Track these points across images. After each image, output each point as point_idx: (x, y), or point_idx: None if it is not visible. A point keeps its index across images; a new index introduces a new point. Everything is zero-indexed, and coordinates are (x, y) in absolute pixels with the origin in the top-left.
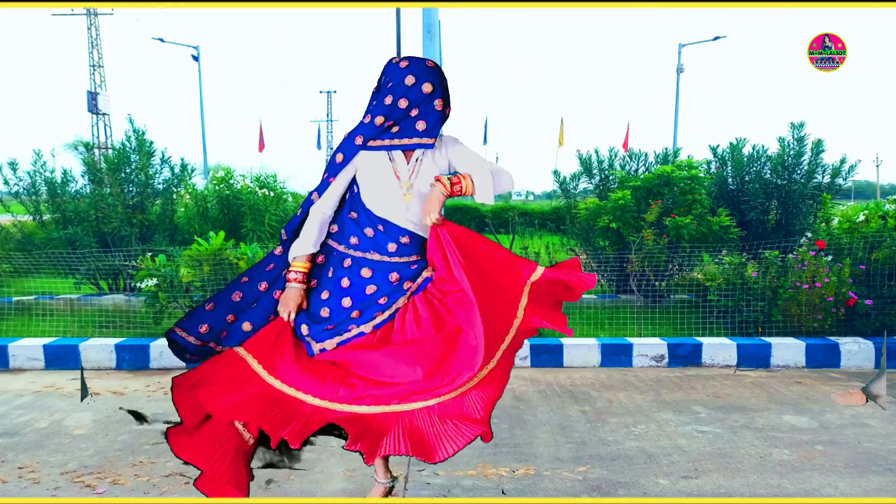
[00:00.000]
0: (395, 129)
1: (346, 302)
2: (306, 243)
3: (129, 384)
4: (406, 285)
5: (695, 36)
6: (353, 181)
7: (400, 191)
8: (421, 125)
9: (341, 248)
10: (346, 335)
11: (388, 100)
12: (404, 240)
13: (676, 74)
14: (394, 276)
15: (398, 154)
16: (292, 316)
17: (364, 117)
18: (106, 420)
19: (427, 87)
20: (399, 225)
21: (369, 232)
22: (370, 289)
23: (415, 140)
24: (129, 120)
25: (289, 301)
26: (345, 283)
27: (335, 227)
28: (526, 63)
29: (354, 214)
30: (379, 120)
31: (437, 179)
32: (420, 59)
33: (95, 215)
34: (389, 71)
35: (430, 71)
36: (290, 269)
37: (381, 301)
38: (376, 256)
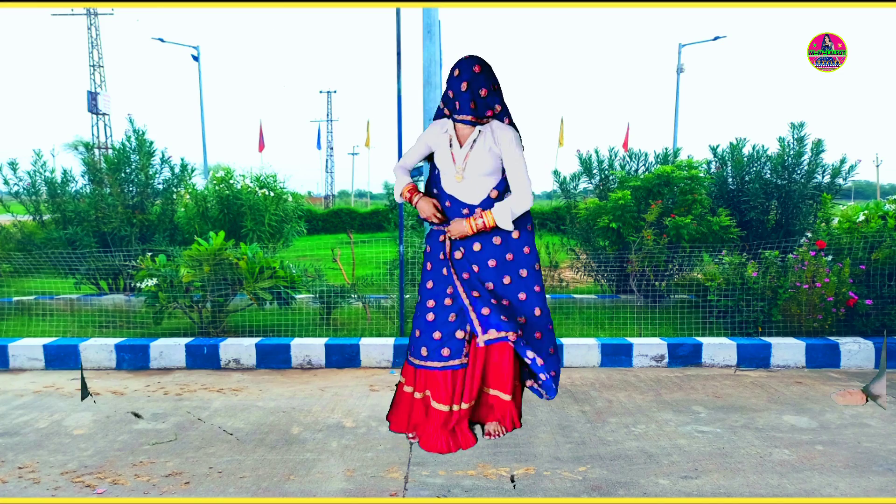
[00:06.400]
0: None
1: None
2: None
3: (129, 384)
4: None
5: (695, 36)
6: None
7: (454, 171)
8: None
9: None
10: None
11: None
12: (465, 212)
13: (676, 74)
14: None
15: (454, 139)
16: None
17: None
18: (106, 420)
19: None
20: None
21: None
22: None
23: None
24: (129, 120)
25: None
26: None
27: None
28: (526, 63)
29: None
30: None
31: (467, 221)
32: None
33: (95, 215)
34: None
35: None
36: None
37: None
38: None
